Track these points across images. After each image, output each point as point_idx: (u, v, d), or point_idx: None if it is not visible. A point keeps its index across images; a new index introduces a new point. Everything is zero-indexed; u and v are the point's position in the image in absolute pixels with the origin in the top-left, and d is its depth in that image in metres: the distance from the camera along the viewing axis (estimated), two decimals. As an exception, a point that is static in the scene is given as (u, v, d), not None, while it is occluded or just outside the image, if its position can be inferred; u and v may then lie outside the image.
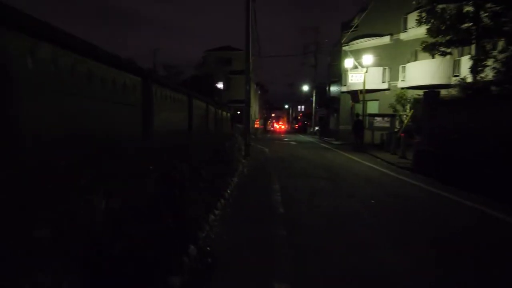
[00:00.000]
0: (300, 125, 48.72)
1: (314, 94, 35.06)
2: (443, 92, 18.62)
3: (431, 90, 11.40)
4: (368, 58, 16.64)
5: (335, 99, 26.05)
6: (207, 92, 16.89)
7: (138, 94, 4.83)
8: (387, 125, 17.57)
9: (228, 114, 15.03)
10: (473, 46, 12.76)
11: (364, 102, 17.54)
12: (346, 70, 22.77)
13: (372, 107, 21.06)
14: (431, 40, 14.35)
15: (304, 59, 35.44)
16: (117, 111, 4.04)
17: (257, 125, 35.06)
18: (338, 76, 25.10)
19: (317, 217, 4.62)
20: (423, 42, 14.61)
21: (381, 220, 4.57)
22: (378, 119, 17.98)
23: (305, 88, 44.05)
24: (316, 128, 35.41)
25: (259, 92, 47.07)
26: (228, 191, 5.75)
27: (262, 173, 8.60)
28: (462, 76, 17.33)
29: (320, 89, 37.99)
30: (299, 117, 64.80)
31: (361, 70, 17.59)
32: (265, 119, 56.67)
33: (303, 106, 72.25)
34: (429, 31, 13.92)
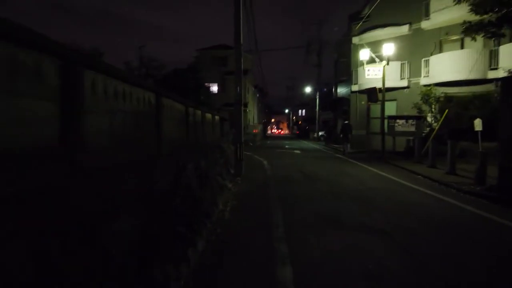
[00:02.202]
0: (302, 130, 45.59)
1: (317, 96, 32.05)
2: (478, 88, 15.64)
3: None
4: (389, 47, 13.61)
5: (344, 100, 23.00)
6: (193, 90, 13.86)
7: (53, 82, 1.97)
8: (412, 129, 14.47)
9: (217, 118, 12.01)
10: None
11: (383, 101, 14.46)
12: (357, 67, 19.80)
13: (389, 109, 17.92)
14: (475, 18, 10.94)
15: (307, 58, 32.45)
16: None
17: (256, 130, 31.97)
18: (347, 74, 22.08)
19: None
20: (464, 23, 11.17)
21: None
22: (401, 122, 14.90)
23: (308, 89, 41.01)
24: (321, 133, 32.34)
25: (257, 95, 44.11)
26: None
27: (258, 216, 4.85)
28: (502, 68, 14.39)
29: (324, 92, 34.99)
30: (300, 122, 61.79)
31: (379, 64, 14.56)
32: (265, 124, 53.68)
33: (304, 110, 69.40)
34: (475, 6, 10.55)
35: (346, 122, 18.00)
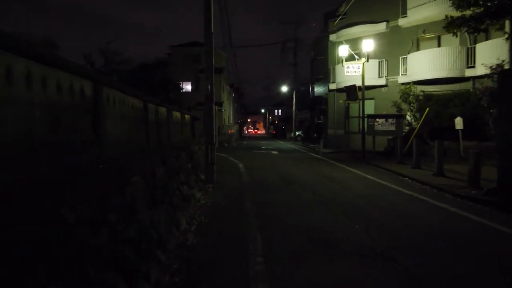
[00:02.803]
0: (278, 130, 45.01)
1: (294, 95, 31.48)
2: (457, 87, 15.56)
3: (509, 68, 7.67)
4: (368, 44, 13.10)
5: (321, 99, 22.49)
6: (162, 87, 12.60)
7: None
8: (392, 128, 14.03)
9: (188, 118, 10.87)
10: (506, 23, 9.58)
11: (363, 99, 13.95)
12: (334, 65, 19.32)
13: (367, 107, 17.46)
14: (456, 14, 10.46)
15: (283, 57, 31.85)
16: None
17: (231, 130, 30.91)
18: (324, 72, 21.57)
19: None
20: (446, 17, 10.62)
21: None
22: (381, 121, 14.43)
23: (284, 89, 40.42)
24: (297, 133, 31.83)
25: (233, 95, 43.03)
26: None
27: (231, 240, 3.84)
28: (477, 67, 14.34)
29: (301, 91, 34.54)
30: (276, 122, 61.38)
31: (358, 61, 14.04)
32: (241, 124, 52.71)
33: (280, 110, 69.12)
34: (458, 1, 10.08)
35: (319, 121, 17.92)
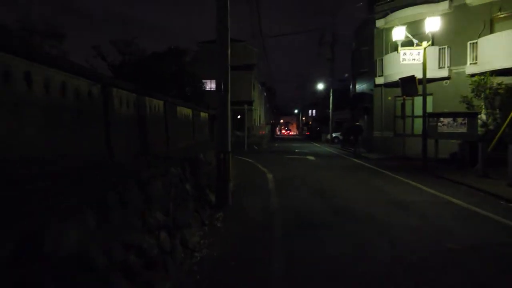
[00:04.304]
0: (312, 131, 42.04)
1: (331, 93, 28.68)
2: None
3: None
4: (433, 23, 10.28)
5: (365, 96, 19.59)
6: (175, 78, 10.68)
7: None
8: (463, 129, 11.04)
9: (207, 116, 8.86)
10: None
11: (425, 94, 11.10)
12: (382, 55, 16.44)
13: (421, 105, 14.51)
14: None
15: (320, 52, 29.22)
16: None
17: (262, 132, 28.79)
18: (368, 64, 18.70)
19: None
20: None
21: None
22: (446, 121, 11.50)
23: (320, 86, 37.45)
24: (334, 135, 28.93)
25: (265, 94, 40.94)
26: None
27: None
28: None
29: (338, 90, 31.56)
30: (310, 123, 58.35)
31: (417, 47, 11.22)
32: (273, 125, 50.50)
33: (314, 110, 65.93)
34: None
35: (357, 123, 18.03)
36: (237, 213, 4.99)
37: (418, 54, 11.22)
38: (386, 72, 15.95)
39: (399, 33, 11.27)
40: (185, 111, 6.85)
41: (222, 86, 5.01)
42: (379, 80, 16.51)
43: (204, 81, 17.66)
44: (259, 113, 34.05)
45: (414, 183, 7.91)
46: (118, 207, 2.30)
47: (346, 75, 32.36)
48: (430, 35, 10.65)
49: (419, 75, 11.51)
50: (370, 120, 18.48)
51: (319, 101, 51.82)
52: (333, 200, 6.02)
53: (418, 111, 15.35)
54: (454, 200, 6.12)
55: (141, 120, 4.50)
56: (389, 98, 16.31)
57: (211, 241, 3.76)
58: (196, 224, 4.04)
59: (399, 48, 11.44)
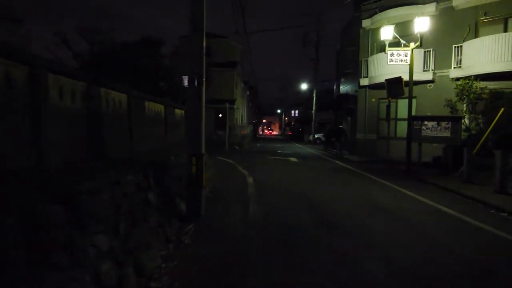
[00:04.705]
0: (295, 132, 41.76)
1: (314, 94, 28.42)
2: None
3: None
4: (422, 23, 10.00)
5: (349, 98, 19.34)
6: (150, 71, 9.79)
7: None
8: (446, 133, 10.88)
9: (182, 113, 8.07)
10: None
11: (410, 96, 10.83)
12: (367, 56, 16.19)
13: (405, 108, 14.36)
14: None
15: (304, 51, 28.90)
16: None
17: (244, 132, 28.12)
18: (353, 66, 18.45)
19: None
20: None
21: None
22: (430, 124, 11.31)
23: (304, 86, 37.16)
24: (317, 136, 28.72)
25: (247, 93, 40.29)
26: None
27: None
28: None
29: (321, 91, 31.35)
30: (292, 123, 58.23)
31: (404, 48, 10.93)
32: (255, 125, 49.96)
33: (297, 111, 65.92)
34: None
35: (340, 126, 19.36)
36: (211, 225, 4.33)
37: (406, 55, 10.94)
38: (371, 74, 15.70)
39: (387, 33, 10.94)
40: (156, 107, 6.11)
41: (196, 78, 4.33)
42: (364, 82, 16.26)
43: (184, 76, 16.81)
44: (241, 112, 33.39)
45: (399, 188, 7.52)
46: (21, 243, 1.61)
47: (329, 79, 32.32)
48: (418, 36, 10.39)
49: (404, 77, 11.25)
50: (354, 121, 18.24)
51: (302, 101, 51.75)
52: (316, 207, 5.47)
53: (402, 114, 15.22)
54: (443, 208, 5.72)
55: (94, 117, 3.76)
56: (373, 100, 16.10)
57: (174, 265, 3.10)
58: (158, 243, 3.36)
59: (387, 48, 11.12)
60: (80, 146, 3.55)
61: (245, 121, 36.44)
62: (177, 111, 7.99)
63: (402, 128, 15.04)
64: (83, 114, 3.64)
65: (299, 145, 26.81)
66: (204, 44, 4.59)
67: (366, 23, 16.17)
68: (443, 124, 10.99)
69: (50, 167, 2.81)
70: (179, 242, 3.65)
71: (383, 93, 14.43)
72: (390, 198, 6.45)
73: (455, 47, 13.29)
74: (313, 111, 29.02)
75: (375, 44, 16.01)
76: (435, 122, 11.20)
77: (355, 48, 17.88)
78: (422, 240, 4.09)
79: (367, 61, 16.11)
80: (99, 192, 2.61)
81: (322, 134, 28.21)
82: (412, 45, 10.58)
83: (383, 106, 15.58)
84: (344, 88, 21.66)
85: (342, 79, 21.96)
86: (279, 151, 18.98)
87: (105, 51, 9.92)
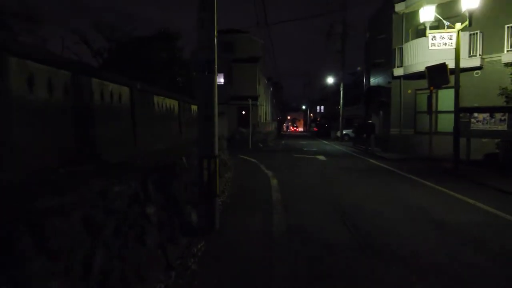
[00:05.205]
0: (321, 128, 40.23)
1: (341, 88, 26.99)
2: None
3: None
4: (472, -2, 8.64)
5: (381, 90, 17.90)
6: (166, 66, 9.17)
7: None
8: (502, 127, 9.46)
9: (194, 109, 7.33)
10: None
11: (457, 85, 9.47)
12: (401, 43, 14.73)
13: (448, 99, 12.88)
14: None
15: (328, 43, 27.53)
16: None
17: (268, 129, 27.27)
18: (385, 55, 17.01)
19: None
20: None
21: None
22: (481, 116, 9.91)
23: (330, 80, 35.59)
24: (344, 132, 27.25)
25: (271, 89, 39.34)
26: None
27: None
28: None
29: (347, 85, 29.78)
30: (318, 119, 56.50)
31: (448, 30, 9.57)
32: (280, 122, 48.92)
33: (322, 107, 64.01)
34: None
35: (370, 121, 19.30)
36: (226, 243, 3.53)
37: (450, 38, 9.56)
38: (406, 63, 14.26)
39: (427, 13, 9.64)
40: (168, 102, 5.42)
41: (206, 64, 3.53)
42: (398, 72, 14.83)
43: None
44: (265, 109, 32.54)
45: (453, 193, 6.34)
46: None
47: (359, 68, 30.65)
48: (466, 14, 8.99)
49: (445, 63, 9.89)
50: (387, 116, 16.83)
51: (327, 96, 50.02)
52: (353, 221, 4.51)
53: (442, 106, 13.69)
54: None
55: (83, 112, 3.08)
56: (409, 91, 14.64)
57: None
58: (156, 271, 2.60)
59: (427, 31, 9.79)
60: (63, 147, 2.88)
61: (269, 118, 35.56)
62: (194, 107, 7.32)
63: (443, 122, 13.54)
64: (68, 110, 2.95)
65: (325, 142, 25.55)
66: (216, 25, 3.79)
67: (399, 7, 14.71)
68: (498, 116, 9.55)
69: (10, 178, 2.13)
70: (185, 268, 2.87)
71: (421, 83, 13.04)
72: (446, 208, 5.34)
73: (507, 27, 11.63)
74: (340, 106, 27.59)
75: (410, 30, 14.55)
76: (488, 114, 9.78)
77: (387, 36, 16.43)
78: (502, 269, 3.04)
79: (401, 49, 14.67)
80: (64, 213, 1.87)
81: (350, 130, 26.74)
82: (458, 25, 9.21)
83: (420, 98, 14.14)
84: (374, 80, 20.19)
85: (372, 71, 20.47)
86: (305, 149, 17.94)
87: (122, 46, 9.42)
